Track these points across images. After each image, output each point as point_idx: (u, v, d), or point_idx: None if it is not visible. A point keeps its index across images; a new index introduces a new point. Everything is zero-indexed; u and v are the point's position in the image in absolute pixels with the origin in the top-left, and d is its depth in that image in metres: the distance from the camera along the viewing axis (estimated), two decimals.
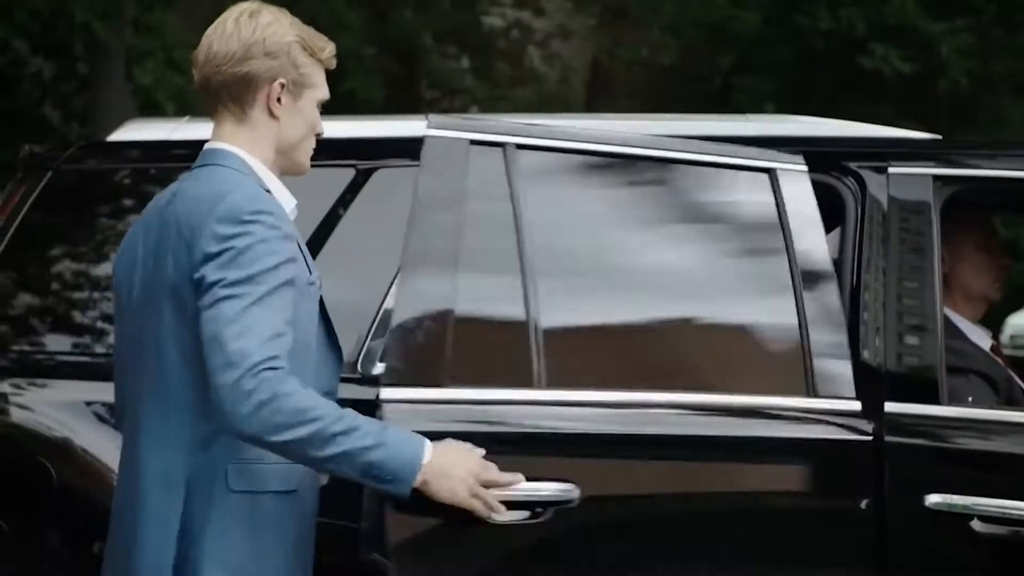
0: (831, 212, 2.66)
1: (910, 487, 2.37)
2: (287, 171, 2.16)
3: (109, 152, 3.04)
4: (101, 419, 2.62)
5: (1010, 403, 2.69)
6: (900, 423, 2.42)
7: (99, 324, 2.77)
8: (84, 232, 2.92)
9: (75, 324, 2.80)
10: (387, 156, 2.76)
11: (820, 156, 2.66)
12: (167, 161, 2.94)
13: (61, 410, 2.63)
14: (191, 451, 1.98)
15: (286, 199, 2.12)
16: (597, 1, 11.38)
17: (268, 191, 2.08)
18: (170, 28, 8.00)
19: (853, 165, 2.62)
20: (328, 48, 2.15)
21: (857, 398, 2.45)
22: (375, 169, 2.74)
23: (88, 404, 2.63)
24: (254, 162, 2.09)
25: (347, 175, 2.75)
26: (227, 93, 2.08)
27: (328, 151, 2.82)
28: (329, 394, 2.06)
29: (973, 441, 2.46)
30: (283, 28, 2.10)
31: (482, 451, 2.08)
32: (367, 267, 2.68)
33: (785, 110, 10.93)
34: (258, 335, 1.91)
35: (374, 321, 2.59)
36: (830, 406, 2.44)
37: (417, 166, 2.72)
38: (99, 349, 2.75)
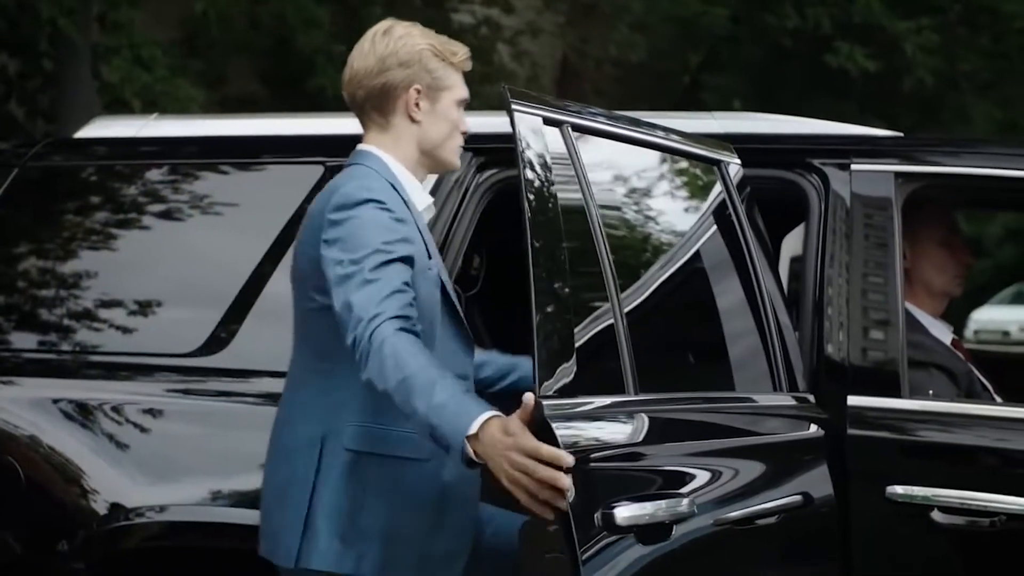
0: (795, 208, 2.70)
1: (872, 479, 2.40)
2: (435, 169, 2.32)
3: (75, 149, 3.03)
4: (68, 417, 2.61)
5: (970, 396, 2.73)
6: (862, 416, 2.46)
7: (66, 322, 2.76)
8: (50, 229, 2.91)
9: (42, 322, 2.79)
10: None
11: (784, 153, 2.70)
12: (134, 158, 2.94)
13: (28, 408, 2.62)
14: (327, 414, 2.15)
15: (419, 197, 2.26)
16: None
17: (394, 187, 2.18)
18: (137, 25, 7.95)
19: (817, 162, 2.65)
20: (460, 52, 2.28)
21: (819, 392, 2.49)
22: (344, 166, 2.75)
23: (55, 402, 2.63)
24: (392, 161, 2.24)
25: (315, 172, 2.75)
26: (370, 105, 2.25)
27: (296, 149, 2.86)
28: (462, 378, 2.15)
29: (934, 434, 2.50)
30: (414, 39, 2.25)
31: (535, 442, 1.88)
32: None
33: (753, 107, 11.00)
34: (375, 296, 2.04)
35: None
36: (793, 400, 2.48)
37: None
38: (65, 347, 2.74)
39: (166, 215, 2.85)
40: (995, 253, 23.19)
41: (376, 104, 2.24)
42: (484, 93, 10.67)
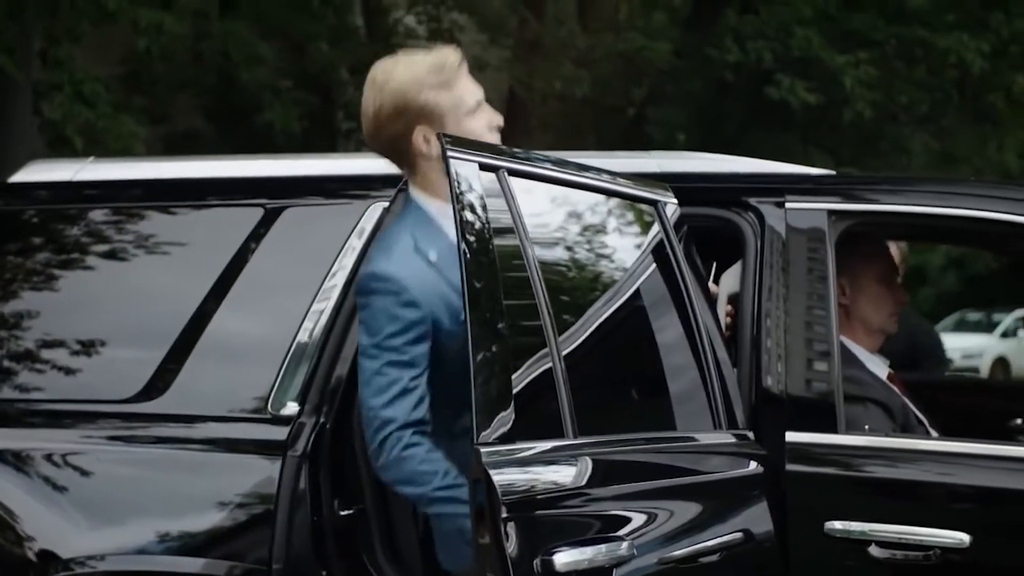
0: (732, 246, 2.74)
1: (811, 514, 2.43)
2: None
3: (13, 193, 3.00)
4: (4, 463, 2.57)
5: (906, 430, 2.77)
6: (800, 452, 2.49)
7: (5, 364, 2.73)
8: None
9: None
10: (295, 195, 2.77)
11: (721, 191, 2.74)
12: (74, 201, 2.92)
13: None
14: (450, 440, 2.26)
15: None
16: (511, 34, 11.49)
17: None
18: (78, 62, 7.90)
19: (752, 200, 2.70)
20: (447, 64, 2.28)
21: (758, 427, 2.51)
22: (284, 208, 2.75)
23: None
24: (428, 201, 2.31)
25: (256, 214, 2.75)
26: (392, 158, 2.34)
27: (236, 190, 2.85)
28: None
29: (871, 468, 2.53)
30: (396, 81, 2.26)
31: None
32: (277, 305, 2.68)
33: (697, 140, 11.15)
34: (384, 395, 2.20)
35: (285, 359, 2.60)
36: (732, 438, 2.50)
37: (324, 204, 2.76)
38: (7, 394, 2.70)
39: (108, 256, 2.83)
40: (937, 282, 23.59)
41: (394, 156, 2.33)
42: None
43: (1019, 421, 3.27)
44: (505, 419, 2.00)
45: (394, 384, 2.20)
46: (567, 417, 2.12)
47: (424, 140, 2.26)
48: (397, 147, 2.30)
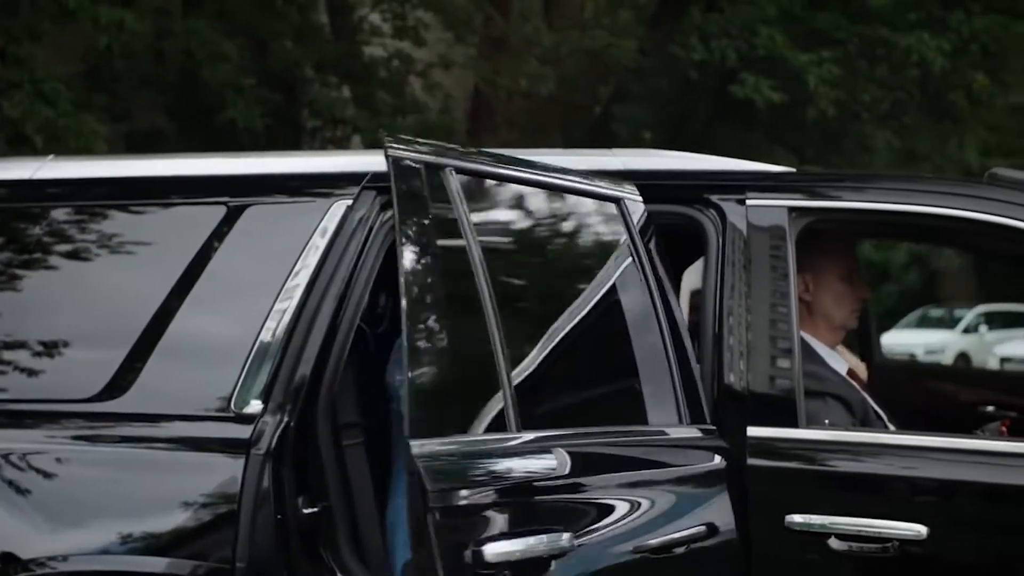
0: (694, 243, 2.76)
1: (772, 508, 2.46)
2: None
3: None
4: None
5: (865, 425, 2.80)
6: (761, 446, 2.51)
7: None
8: None
9: None
10: (258, 193, 2.77)
11: (682, 189, 2.77)
12: (38, 200, 2.89)
13: None
14: None
15: None
16: (476, 31, 11.49)
17: None
18: (39, 60, 7.82)
19: (714, 197, 2.72)
20: None
21: (720, 423, 2.54)
22: (247, 206, 2.74)
23: None
24: None
25: (218, 212, 2.74)
26: None
27: (199, 188, 2.84)
28: None
29: (831, 462, 2.56)
30: None
31: None
32: (240, 303, 2.68)
33: (662, 138, 11.20)
34: None
35: (248, 358, 2.59)
36: (696, 432, 2.52)
37: (287, 203, 2.75)
38: None
39: (71, 255, 2.81)
40: (901, 279, 23.80)
41: None
42: (397, 126, 10.71)
43: (991, 409, 3.32)
44: (439, 413, 2.01)
45: None
46: (510, 412, 2.12)
47: None
48: None
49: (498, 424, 2.12)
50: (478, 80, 11.56)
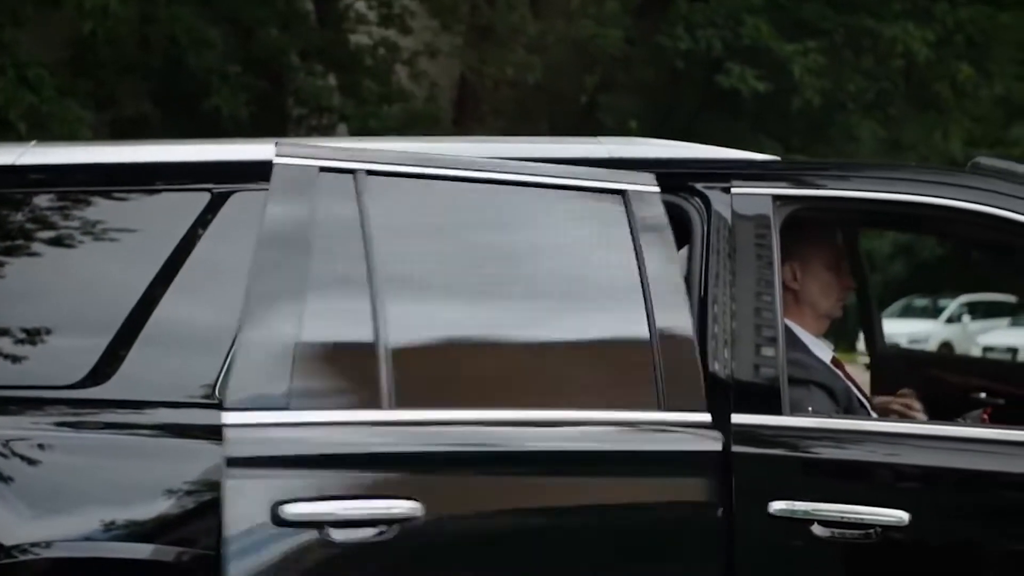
0: (679, 230, 2.77)
1: (755, 495, 2.47)
2: None
3: None
4: None
5: (848, 412, 2.82)
6: (745, 433, 2.52)
7: None
8: None
9: None
10: (243, 180, 2.76)
11: (668, 177, 2.77)
12: (21, 186, 2.88)
13: None
14: None
15: None
16: (463, 20, 11.47)
17: None
18: (22, 46, 7.77)
19: (699, 185, 2.72)
20: None
21: (707, 410, 2.54)
22: (231, 193, 2.73)
23: None
24: None
25: (203, 199, 2.73)
26: None
27: (183, 175, 2.83)
28: None
29: (815, 449, 2.57)
30: None
31: None
32: (224, 290, 2.67)
33: (648, 127, 11.21)
34: None
35: (232, 344, 2.58)
36: (681, 419, 2.53)
37: None
38: None
39: (54, 242, 2.80)
40: (885, 268, 23.90)
41: None
42: (382, 114, 10.69)
43: (983, 395, 3.34)
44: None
45: None
46: (384, 386, 2.21)
47: None
48: None
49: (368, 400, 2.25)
50: (464, 68, 11.55)
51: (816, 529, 2.45)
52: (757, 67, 10.79)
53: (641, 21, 11.76)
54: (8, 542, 2.43)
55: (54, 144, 3.07)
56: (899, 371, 3.49)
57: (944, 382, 3.61)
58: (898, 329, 19.77)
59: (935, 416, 2.79)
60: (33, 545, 2.43)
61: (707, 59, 11.13)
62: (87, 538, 2.44)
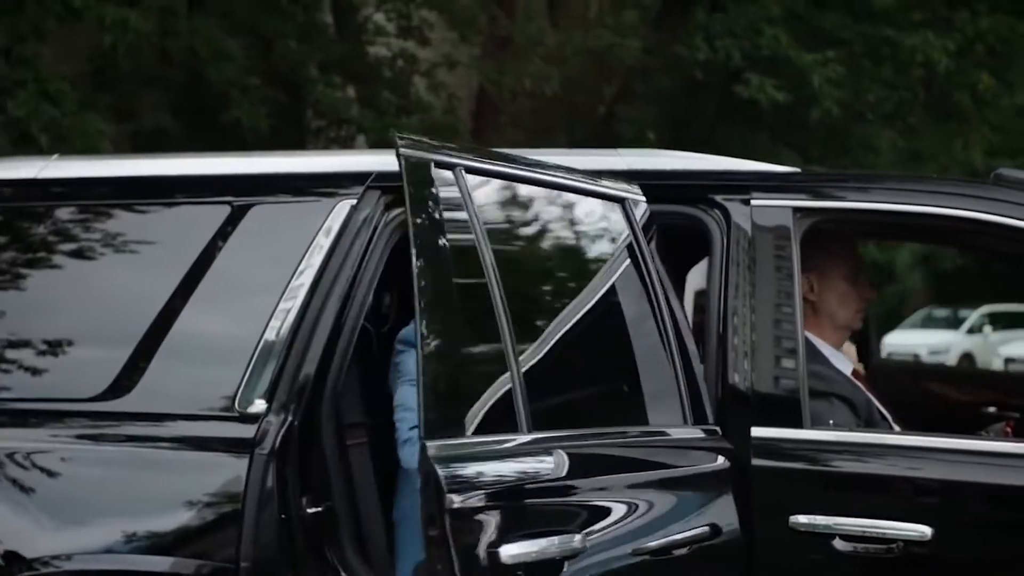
0: (698, 243, 2.76)
1: (776, 508, 2.45)
2: None
3: None
4: None
5: (870, 426, 2.80)
6: (766, 447, 2.51)
7: None
8: None
9: None
10: (263, 192, 2.76)
11: (687, 189, 2.76)
12: (43, 199, 2.89)
13: None
14: None
15: None
16: (481, 31, 11.49)
17: None
18: (44, 59, 7.83)
19: (719, 197, 2.72)
20: None
21: (724, 424, 2.53)
22: (251, 205, 2.74)
23: None
24: None
25: (223, 211, 2.74)
26: None
27: (203, 188, 2.84)
28: None
29: (836, 463, 2.56)
30: None
31: None
32: (244, 303, 2.68)
33: (667, 138, 11.19)
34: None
35: (252, 357, 2.59)
36: (700, 432, 2.52)
37: (291, 202, 2.76)
38: None
39: (75, 255, 2.82)
40: (905, 279, 23.78)
41: None
42: (401, 125, 10.70)
43: (992, 409, 3.32)
44: (453, 414, 2.00)
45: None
46: (521, 412, 2.12)
47: None
48: None
49: (508, 424, 2.12)
50: (482, 80, 11.56)
51: (838, 543, 2.43)
52: (776, 77, 10.76)
53: (659, 31, 11.75)
54: (30, 555, 2.44)
55: (75, 157, 3.09)
56: (893, 384, 3.45)
57: (941, 395, 3.57)
58: (919, 340, 19.64)
59: (937, 429, 2.78)
60: (54, 558, 2.44)
61: (726, 69, 11.10)
62: (108, 550, 2.45)
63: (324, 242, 2.63)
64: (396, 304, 3.14)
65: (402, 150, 2.08)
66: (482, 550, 1.97)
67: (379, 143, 9.92)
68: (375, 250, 2.66)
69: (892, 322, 20.12)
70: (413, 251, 2.02)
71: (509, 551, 1.99)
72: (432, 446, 1.93)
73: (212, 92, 9.04)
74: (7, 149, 7.32)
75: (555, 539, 2.07)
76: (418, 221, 2.05)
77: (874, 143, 12.10)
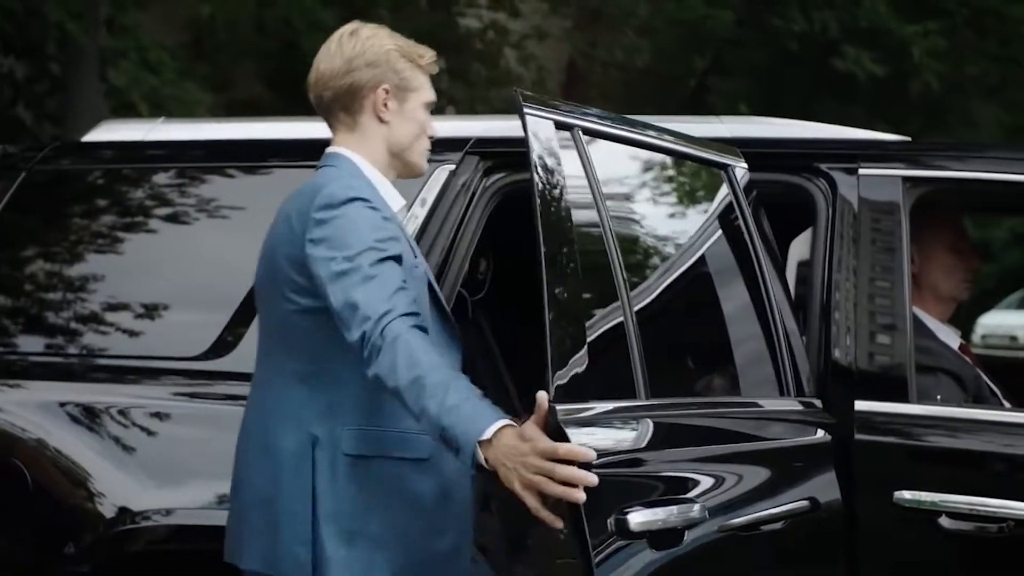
0: (803, 213, 2.70)
1: (879, 484, 2.40)
2: (403, 172, 2.28)
3: (83, 152, 3.04)
4: (75, 420, 2.61)
5: (978, 401, 2.72)
6: (869, 421, 2.45)
7: (72, 325, 2.76)
8: (58, 232, 2.91)
9: (48, 325, 2.79)
10: None
11: (792, 157, 2.70)
12: (141, 162, 2.95)
13: (35, 411, 2.62)
14: (316, 418, 2.11)
15: (393, 198, 2.23)
16: (572, 3, 11.40)
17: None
18: (144, 29, 7.96)
19: (824, 166, 2.65)
20: (427, 55, 2.27)
21: (827, 397, 2.48)
22: None
23: (62, 405, 2.63)
24: (363, 162, 2.22)
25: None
26: (337, 105, 2.23)
27: (297, 152, 2.85)
28: None
29: (942, 439, 2.49)
30: (381, 40, 2.24)
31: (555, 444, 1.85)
32: None
33: (759, 111, 10.98)
34: (381, 292, 2.01)
35: None
36: (800, 405, 2.47)
37: None
38: (72, 350, 2.74)
39: (172, 218, 2.86)
40: (1002, 257, 23.14)
41: (344, 104, 2.22)
42: (491, 97, 10.69)
43: None
44: (579, 378, 1.99)
45: (390, 283, 2.02)
46: (639, 378, 2.10)
47: (383, 101, 2.19)
48: (351, 98, 2.20)
49: (627, 390, 2.10)
50: (573, 52, 11.47)
51: (944, 521, 2.37)
52: (874, 49, 10.49)
53: (753, 2, 11.54)
54: (135, 507, 2.49)
55: (181, 121, 3.14)
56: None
57: None
58: (1016, 321, 19.11)
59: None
60: (155, 512, 2.49)
61: (822, 41, 10.86)
62: (204, 507, 2.49)
63: (420, 212, 2.63)
64: (492, 270, 3.13)
65: (525, 109, 2.06)
66: (610, 516, 1.96)
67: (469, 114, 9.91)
68: (472, 216, 2.65)
69: (989, 302, 19.60)
70: (537, 211, 2.00)
71: (637, 518, 1.98)
72: (560, 409, 1.91)
73: (306, 63, 9.10)
74: (109, 117, 7.48)
75: (674, 508, 2.05)
76: (541, 181, 2.03)
77: (975, 118, 11.75)
